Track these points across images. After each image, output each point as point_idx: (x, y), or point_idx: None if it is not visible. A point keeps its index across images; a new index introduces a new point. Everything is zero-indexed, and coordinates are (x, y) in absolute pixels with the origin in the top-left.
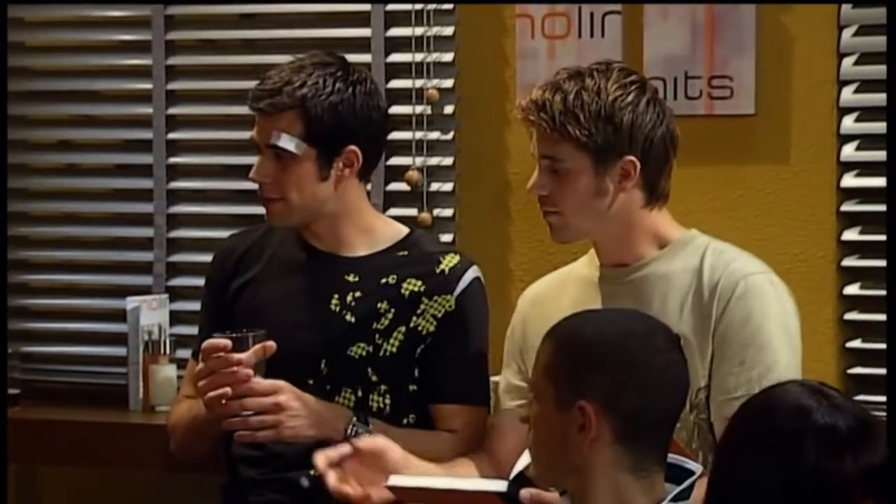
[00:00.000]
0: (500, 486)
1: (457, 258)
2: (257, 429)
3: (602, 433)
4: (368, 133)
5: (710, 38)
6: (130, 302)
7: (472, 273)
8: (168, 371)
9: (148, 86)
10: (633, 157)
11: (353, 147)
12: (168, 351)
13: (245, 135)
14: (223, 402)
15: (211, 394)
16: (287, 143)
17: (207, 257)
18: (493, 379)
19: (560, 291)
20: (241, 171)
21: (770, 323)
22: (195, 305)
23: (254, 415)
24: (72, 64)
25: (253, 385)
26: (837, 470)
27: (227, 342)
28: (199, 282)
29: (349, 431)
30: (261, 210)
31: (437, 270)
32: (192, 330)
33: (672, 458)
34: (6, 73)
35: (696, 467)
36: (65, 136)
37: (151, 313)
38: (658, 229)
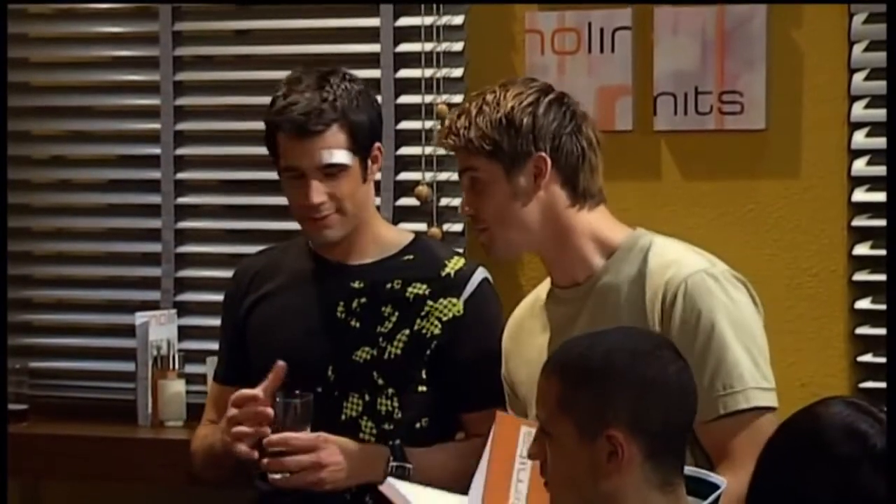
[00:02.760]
0: None
1: (462, 261)
2: (297, 485)
3: (632, 456)
4: (381, 127)
5: (721, 54)
6: (139, 317)
7: (480, 275)
8: (177, 386)
9: (156, 102)
10: (541, 154)
11: (378, 143)
12: (177, 366)
13: (255, 150)
14: (256, 455)
15: (241, 447)
16: (340, 157)
17: (215, 272)
18: None
19: (530, 316)
20: (250, 186)
21: (718, 320)
22: (203, 321)
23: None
24: (77, 80)
25: (291, 441)
26: (888, 492)
27: (259, 393)
28: (207, 297)
29: (388, 471)
30: (270, 225)
31: (443, 274)
32: (201, 345)
33: (693, 471)
34: (6, 73)
35: (720, 481)
36: (68, 152)
37: (160, 328)
38: (598, 233)
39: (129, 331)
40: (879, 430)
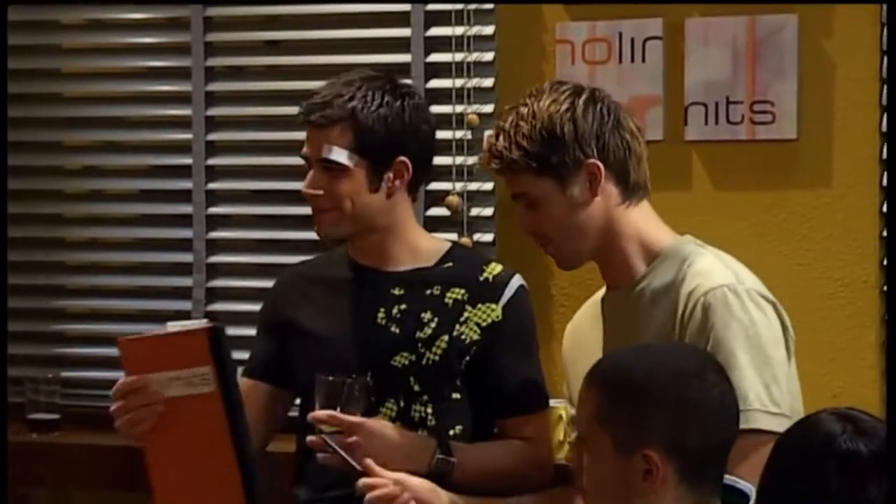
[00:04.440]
0: None
1: (500, 267)
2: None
3: (668, 476)
4: (418, 145)
5: (752, 63)
6: (170, 327)
7: (517, 281)
8: None
9: (188, 112)
10: (593, 160)
11: (402, 158)
12: None
13: (285, 160)
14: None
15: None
16: (338, 155)
17: (247, 283)
18: None
19: (590, 321)
20: (281, 196)
21: (731, 337)
22: (234, 331)
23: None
24: (109, 90)
25: (336, 419)
26: (862, 495)
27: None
28: (239, 307)
29: (434, 464)
30: (302, 235)
31: (481, 279)
32: (233, 355)
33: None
34: (6, 73)
35: (748, 488)
36: (100, 163)
37: None
38: (644, 236)
39: None
40: (851, 432)
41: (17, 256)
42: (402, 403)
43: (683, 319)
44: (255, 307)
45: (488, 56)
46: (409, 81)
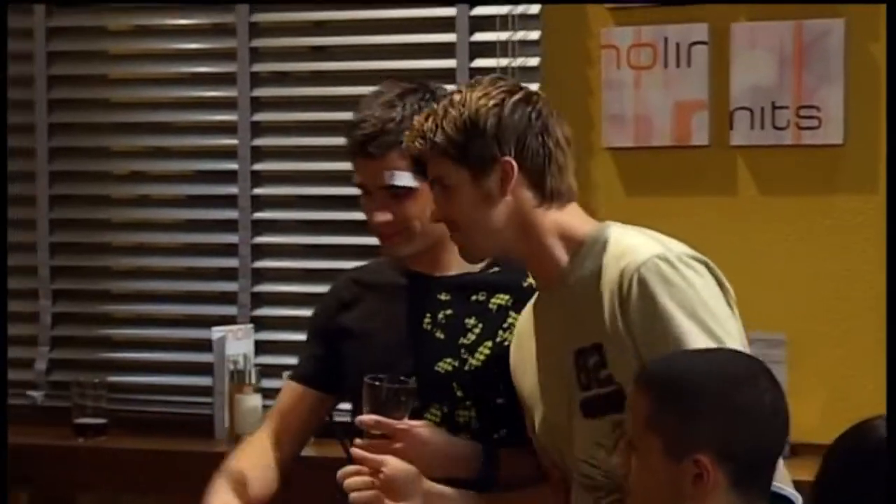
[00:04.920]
0: None
1: None
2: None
3: (718, 481)
4: None
5: (798, 69)
6: (216, 332)
7: None
8: (253, 400)
9: (233, 118)
10: (508, 159)
11: None
12: (253, 381)
13: (330, 165)
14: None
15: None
16: (403, 179)
17: (292, 287)
18: None
19: (527, 323)
20: (326, 201)
21: (672, 306)
22: (280, 335)
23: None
24: (156, 96)
25: (382, 424)
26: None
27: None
28: (284, 312)
29: (479, 470)
30: (346, 240)
31: (525, 284)
32: (277, 360)
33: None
34: (6, 74)
35: (794, 496)
36: (146, 168)
37: (237, 343)
38: (565, 230)
39: (206, 346)
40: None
41: (65, 261)
42: (445, 409)
43: (622, 298)
44: (300, 312)
45: (533, 61)
46: (444, 85)
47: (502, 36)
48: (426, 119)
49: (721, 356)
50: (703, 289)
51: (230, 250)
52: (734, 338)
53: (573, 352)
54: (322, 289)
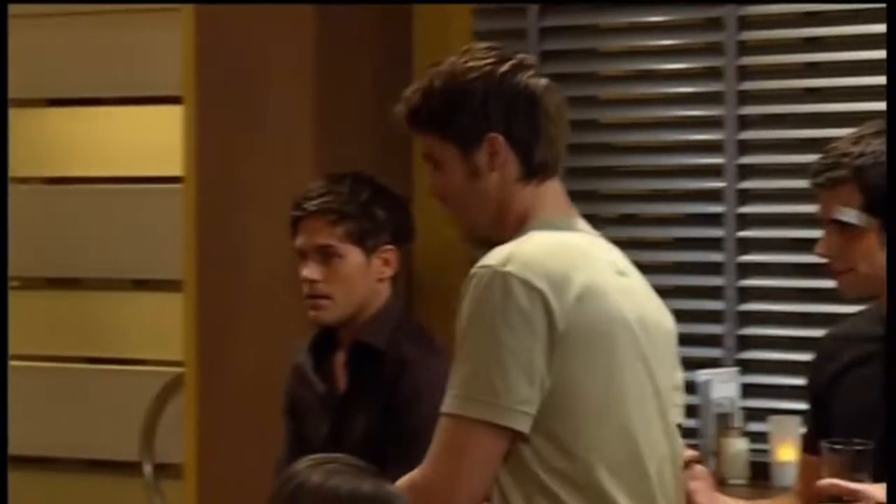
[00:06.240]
0: None
1: None
2: None
3: None
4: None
5: None
6: (701, 375)
7: None
8: (739, 444)
9: (720, 161)
10: (495, 134)
11: None
12: (739, 424)
13: (812, 208)
14: None
15: None
16: (847, 216)
17: (780, 331)
18: None
19: None
20: (810, 245)
21: (474, 319)
22: (766, 379)
23: None
24: (643, 140)
25: (839, 487)
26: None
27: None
28: (771, 355)
29: None
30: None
31: None
32: (764, 403)
33: None
34: (6, 74)
35: None
36: (632, 210)
37: (722, 386)
38: (529, 214)
39: (692, 387)
40: None
41: None
42: None
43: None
44: (788, 356)
45: None
46: None
47: None
48: (412, 92)
49: None
50: (513, 315)
51: (715, 293)
52: (508, 369)
53: None
54: (813, 333)
